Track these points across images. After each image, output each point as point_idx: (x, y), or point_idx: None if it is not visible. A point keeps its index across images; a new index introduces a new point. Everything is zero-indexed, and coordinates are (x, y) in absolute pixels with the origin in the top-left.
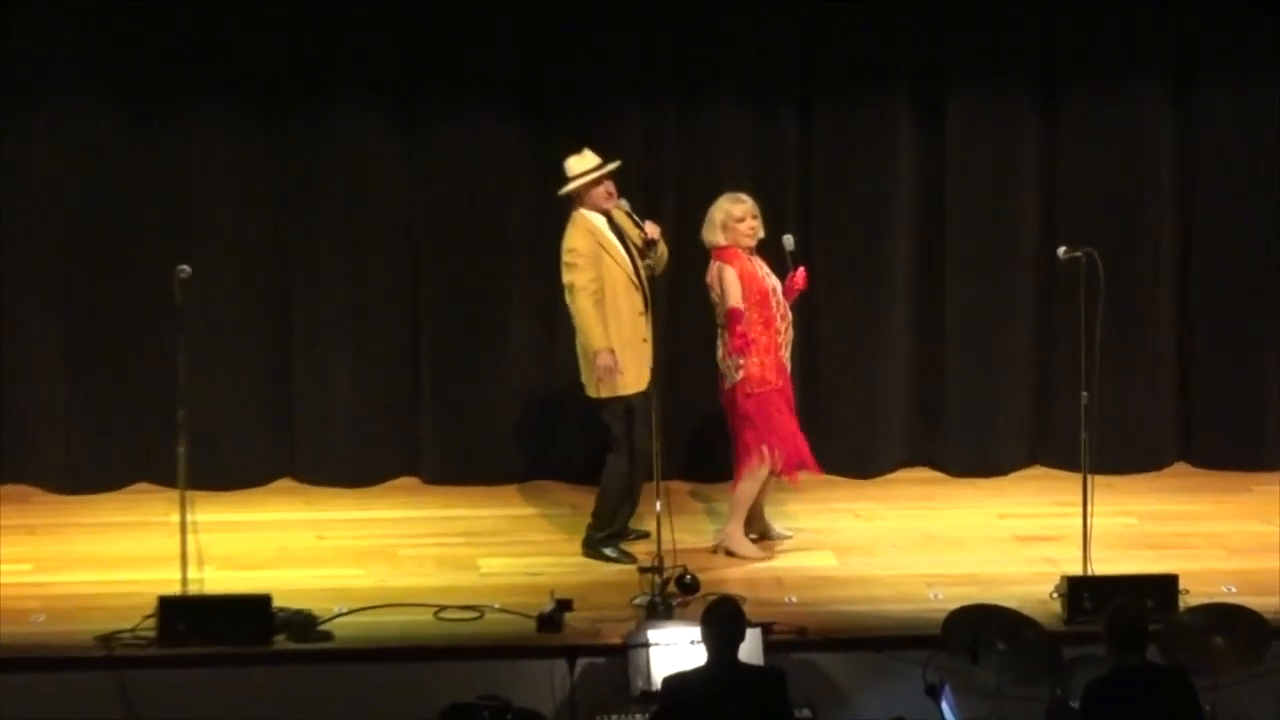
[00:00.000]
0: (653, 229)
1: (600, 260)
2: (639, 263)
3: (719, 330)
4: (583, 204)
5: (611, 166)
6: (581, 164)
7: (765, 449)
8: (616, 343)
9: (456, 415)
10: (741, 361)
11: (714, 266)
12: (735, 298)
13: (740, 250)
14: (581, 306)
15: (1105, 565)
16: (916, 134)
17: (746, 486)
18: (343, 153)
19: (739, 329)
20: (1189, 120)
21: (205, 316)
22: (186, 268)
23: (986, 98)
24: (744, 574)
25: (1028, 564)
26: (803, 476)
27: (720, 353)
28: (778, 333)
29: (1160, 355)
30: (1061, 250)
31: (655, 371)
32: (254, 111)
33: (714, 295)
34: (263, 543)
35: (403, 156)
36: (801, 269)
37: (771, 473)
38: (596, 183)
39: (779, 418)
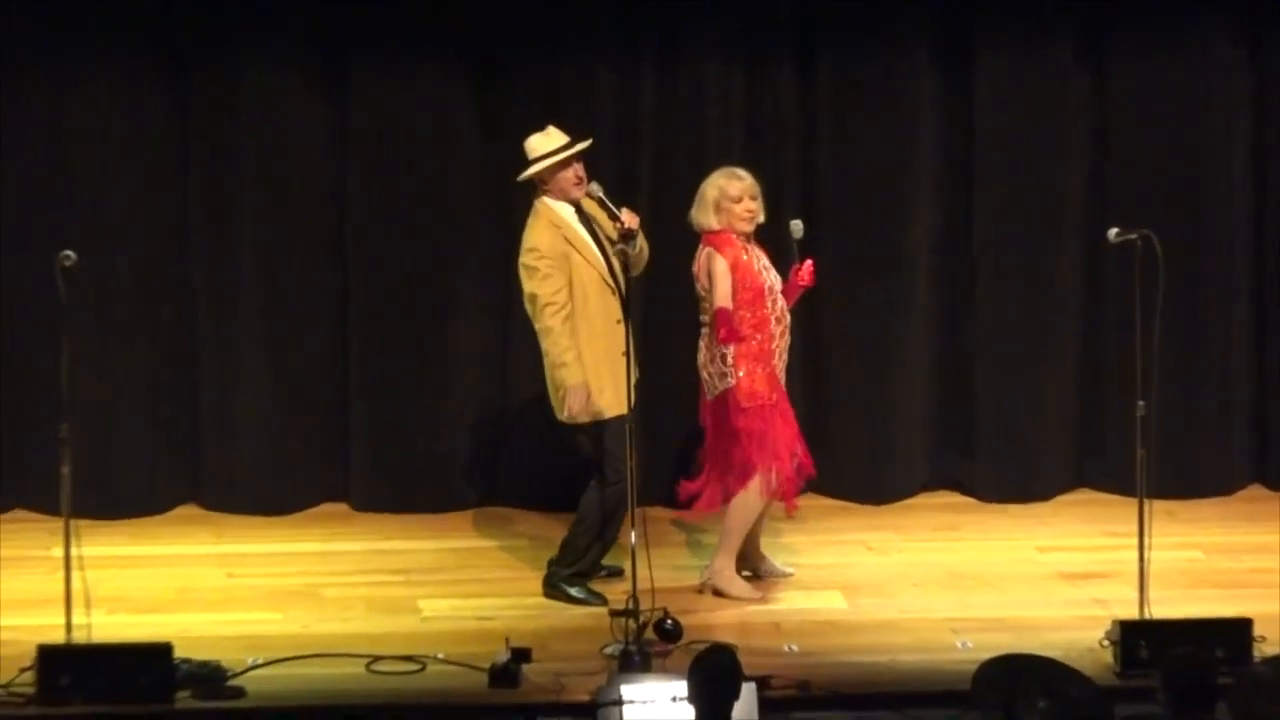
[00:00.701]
0: (630, 218)
1: (568, 260)
2: (614, 260)
3: (703, 329)
4: (547, 191)
5: (582, 146)
6: (546, 143)
7: (762, 473)
8: (589, 357)
9: (393, 429)
10: (726, 368)
11: (703, 253)
12: (724, 294)
13: (735, 236)
14: (549, 327)
15: (1165, 607)
16: (939, 93)
17: (739, 515)
18: (256, 117)
19: (724, 331)
20: (1268, 74)
21: (94, 312)
22: (71, 254)
23: (1023, 47)
24: (736, 618)
25: (1073, 606)
26: (803, 503)
27: (702, 356)
28: (771, 338)
29: (1231, 357)
30: (1113, 232)
31: (636, 387)
32: (149, 65)
33: (700, 287)
34: (162, 581)
35: (328, 123)
36: (809, 262)
37: (769, 498)
38: (564, 165)
39: (774, 434)
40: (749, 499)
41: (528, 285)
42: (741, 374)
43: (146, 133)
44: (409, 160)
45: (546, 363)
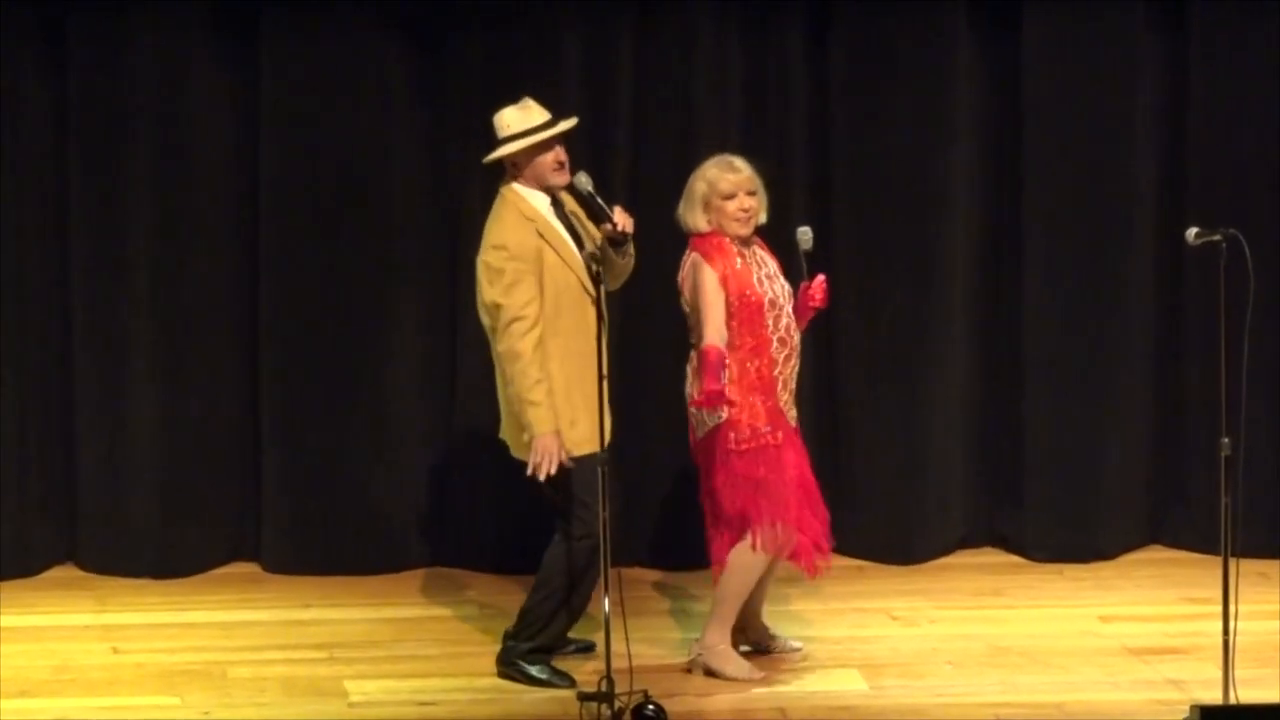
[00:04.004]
0: (624, 219)
1: (540, 260)
2: (594, 265)
3: (691, 352)
4: (519, 177)
5: (566, 125)
6: (522, 119)
7: (762, 526)
8: (559, 381)
9: (313, 474)
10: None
11: (688, 260)
12: (716, 327)
13: (728, 241)
14: (516, 351)
15: (1255, 689)
16: (980, 59)
17: (736, 578)
18: (147, 88)
19: (710, 382)
20: None
21: None
22: None
23: (1082, 4)
24: (732, 702)
25: (1143, 688)
26: (823, 563)
27: (689, 384)
28: (772, 364)
29: None
30: (1192, 232)
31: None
32: (17, 27)
33: (684, 300)
34: (33, 658)
35: (235, 94)
36: (820, 278)
37: (772, 556)
38: (544, 147)
39: (777, 479)
40: (746, 558)
41: (489, 291)
42: (734, 409)
43: (14, 104)
44: (334, 141)
45: (508, 391)
